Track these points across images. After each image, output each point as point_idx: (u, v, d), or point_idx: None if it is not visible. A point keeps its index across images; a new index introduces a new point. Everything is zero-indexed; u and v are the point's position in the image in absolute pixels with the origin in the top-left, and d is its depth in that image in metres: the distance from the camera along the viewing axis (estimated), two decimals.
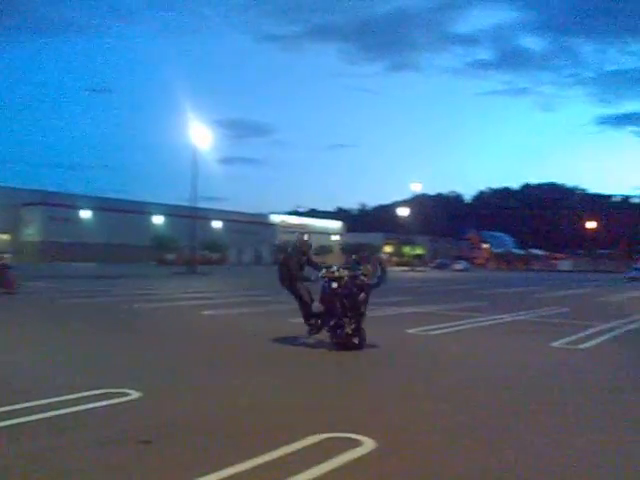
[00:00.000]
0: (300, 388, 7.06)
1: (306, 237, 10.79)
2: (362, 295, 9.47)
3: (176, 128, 59.41)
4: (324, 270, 9.93)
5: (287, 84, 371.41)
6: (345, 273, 9.63)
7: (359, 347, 9.42)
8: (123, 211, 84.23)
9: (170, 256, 76.62)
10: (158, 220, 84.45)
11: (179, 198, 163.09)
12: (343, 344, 9.39)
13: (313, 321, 10.16)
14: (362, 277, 9.53)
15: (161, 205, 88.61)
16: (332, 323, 9.51)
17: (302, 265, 10.34)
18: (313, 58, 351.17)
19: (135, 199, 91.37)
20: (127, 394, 6.32)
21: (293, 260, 10.29)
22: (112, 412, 5.73)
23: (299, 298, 10.32)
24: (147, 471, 4.22)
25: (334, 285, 9.53)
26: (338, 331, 9.42)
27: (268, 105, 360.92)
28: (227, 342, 10.89)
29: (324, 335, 9.94)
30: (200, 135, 47.57)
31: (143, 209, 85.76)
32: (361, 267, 9.66)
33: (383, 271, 9.98)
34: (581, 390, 7.22)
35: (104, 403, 5.97)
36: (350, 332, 9.36)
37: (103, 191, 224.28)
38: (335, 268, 9.84)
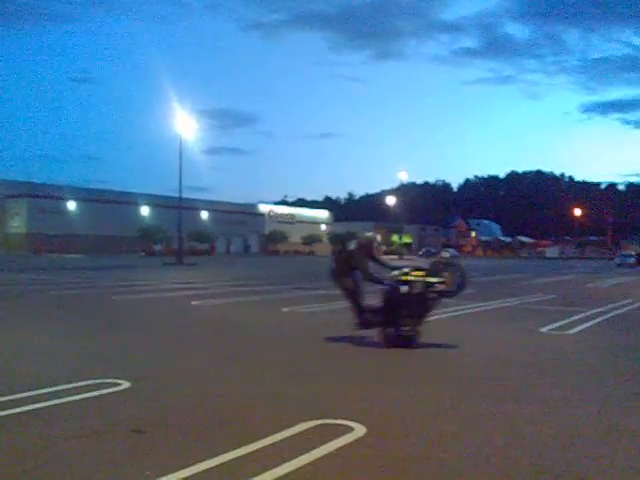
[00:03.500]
0: (293, 375, 7.08)
1: (370, 234, 10.32)
2: (433, 303, 9.14)
3: (161, 118, 59.47)
4: (396, 272, 9.24)
5: (272, 73, 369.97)
6: (419, 278, 8.99)
7: (412, 345, 8.92)
8: (110, 202, 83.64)
9: (158, 247, 76.33)
10: (145, 211, 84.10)
11: (166, 189, 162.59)
12: (394, 342, 8.95)
13: (368, 316, 9.32)
14: (439, 285, 9.00)
15: (148, 196, 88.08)
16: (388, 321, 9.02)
17: (361, 265, 9.47)
18: (298, 46, 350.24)
19: (122, 190, 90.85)
20: (117, 384, 6.34)
21: (355, 258, 9.54)
22: (104, 402, 5.74)
23: (350, 292, 9.50)
24: (139, 460, 4.24)
25: (404, 288, 8.90)
26: (393, 329, 8.98)
27: (253, 94, 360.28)
28: (221, 332, 10.90)
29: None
30: (185, 125, 47.20)
31: (130, 200, 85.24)
32: (441, 274, 9.09)
33: (463, 277, 9.36)
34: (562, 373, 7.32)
35: (96, 393, 5.98)
36: (407, 333, 8.95)
37: (88, 182, 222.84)
38: (408, 270, 9.19)
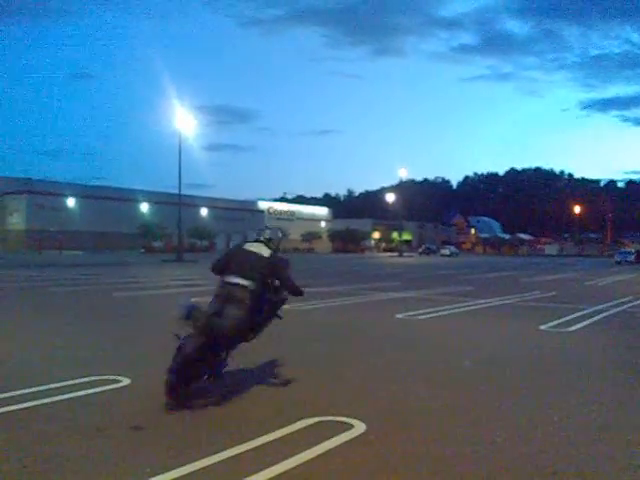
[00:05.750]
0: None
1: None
2: None
3: (160, 114, 59.34)
4: None
5: (270, 69, 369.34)
6: None
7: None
8: (110, 198, 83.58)
9: (158, 244, 76.29)
10: (145, 208, 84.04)
11: (166, 185, 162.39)
12: None
13: None
14: None
15: (148, 192, 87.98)
16: None
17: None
18: (296, 42, 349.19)
19: (121, 186, 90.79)
20: (117, 381, 6.33)
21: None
22: (104, 399, 5.74)
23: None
24: (139, 457, 4.23)
25: None
26: None
27: (252, 91, 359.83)
28: None
29: None
30: (184, 121, 47.01)
31: (130, 196, 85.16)
32: None
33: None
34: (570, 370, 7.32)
35: (96, 390, 5.98)
36: None
37: (87, 179, 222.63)
38: None
